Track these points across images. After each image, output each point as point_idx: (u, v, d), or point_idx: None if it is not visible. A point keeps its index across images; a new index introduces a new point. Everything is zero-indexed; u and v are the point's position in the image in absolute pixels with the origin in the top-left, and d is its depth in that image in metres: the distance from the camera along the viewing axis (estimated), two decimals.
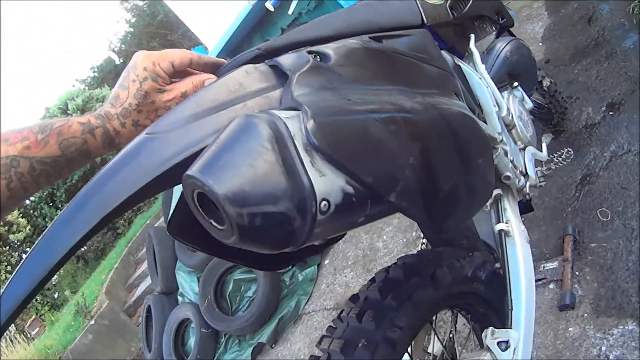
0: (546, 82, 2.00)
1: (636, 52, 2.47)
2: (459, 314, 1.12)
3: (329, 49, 0.70)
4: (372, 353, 0.72)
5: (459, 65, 1.15)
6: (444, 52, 1.12)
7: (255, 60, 0.71)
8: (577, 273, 1.70)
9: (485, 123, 1.11)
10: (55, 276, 9.05)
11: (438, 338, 1.07)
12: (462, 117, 0.80)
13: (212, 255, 0.78)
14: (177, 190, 0.73)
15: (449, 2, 1.25)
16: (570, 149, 1.49)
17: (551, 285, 1.74)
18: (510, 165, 1.11)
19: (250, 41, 6.22)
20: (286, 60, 0.67)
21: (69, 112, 9.83)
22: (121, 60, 18.57)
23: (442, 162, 0.70)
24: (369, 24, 0.85)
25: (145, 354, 4.14)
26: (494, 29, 1.53)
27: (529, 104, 1.48)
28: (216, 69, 0.76)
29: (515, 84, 1.47)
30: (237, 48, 6.33)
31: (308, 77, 0.63)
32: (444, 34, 1.18)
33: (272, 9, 1.70)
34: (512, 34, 1.72)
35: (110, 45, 19.61)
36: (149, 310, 4.14)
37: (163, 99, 0.73)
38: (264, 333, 3.12)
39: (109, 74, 18.12)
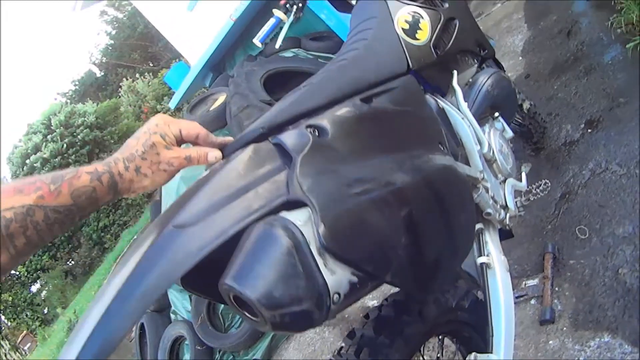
0: (526, 105, 2.12)
1: (615, 67, 2.60)
2: (445, 337, 1.23)
3: (325, 121, 0.82)
4: None
5: (442, 108, 1.26)
6: (428, 96, 1.24)
7: (259, 138, 0.81)
8: (556, 289, 1.83)
9: (468, 162, 1.22)
10: (44, 291, 9.07)
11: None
12: (446, 174, 0.92)
13: (223, 304, 0.87)
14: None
15: (432, 41, 1.36)
16: (547, 181, 1.61)
17: (532, 301, 1.86)
18: (491, 201, 1.23)
19: (232, 56, 6.31)
20: (288, 138, 0.78)
21: (52, 127, 9.88)
22: (102, 73, 18.73)
23: (428, 232, 0.83)
24: (359, 84, 0.96)
25: None
26: (475, 61, 1.64)
27: (509, 134, 1.59)
28: (222, 147, 0.85)
29: (496, 114, 1.59)
30: (220, 63, 6.43)
31: (310, 159, 0.74)
32: (428, 75, 1.30)
33: (260, 46, 1.79)
34: (496, 61, 1.83)
35: (91, 58, 19.75)
36: (142, 327, 4.20)
37: (167, 156, 0.79)
38: (258, 349, 3.21)
39: (90, 87, 18.24)
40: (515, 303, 1.63)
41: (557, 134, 2.52)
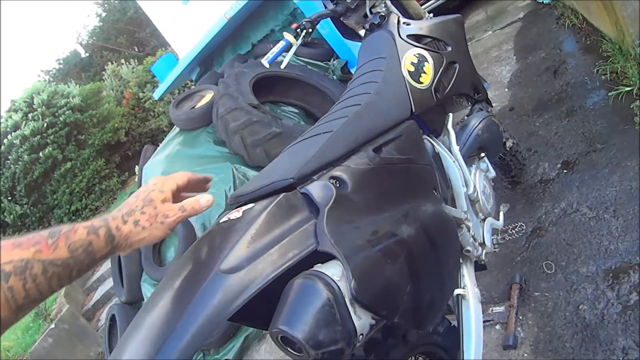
0: (509, 143, 2.30)
1: (595, 113, 2.76)
2: (420, 357, 1.39)
3: (344, 173, 0.96)
4: None
5: (437, 152, 1.42)
6: (425, 140, 1.39)
7: (288, 188, 0.95)
8: (520, 317, 2.00)
9: (454, 202, 1.38)
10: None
11: None
12: (439, 221, 1.08)
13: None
14: None
15: (434, 84, 1.52)
16: (523, 224, 1.77)
17: (497, 327, 2.04)
18: (471, 239, 1.39)
19: (221, 54, 6.43)
20: (315, 190, 0.93)
21: (34, 106, 9.82)
22: (87, 54, 18.62)
23: (425, 276, 0.99)
24: (372, 132, 1.12)
25: None
26: (469, 103, 1.81)
27: (492, 174, 1.77)
28: (207, 182, 0.97)
29: (482, 155, 1.76)
30: (208, 59, 6.53)
31: (334, 212, 0.89)
32: (426, 118, 1.46)
33: (268, 67, 1.92)
34: (487, 100, 2.00)
35: (79, 38, 19.75)
36: (112, 319, 4.26)
37: (164, 209, 0.85)
38: (229, 349, 3.32)
39: (73, 68, 18.13)
40: (482, 326, 1.81)
41: (534, 170, 2.71)
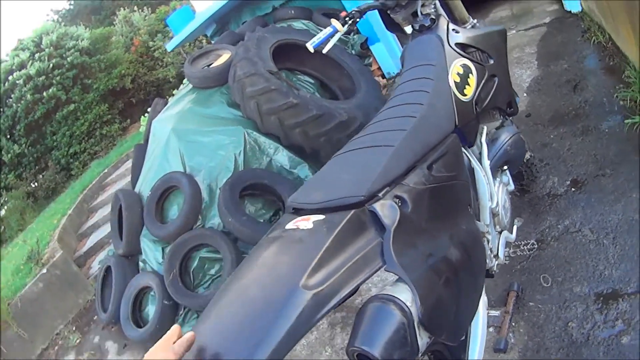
0: (527, 156, 2.39)
1: (610, 137, 2.82)
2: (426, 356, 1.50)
3: (406, 194, 1.05)
4: None
5: (472, 167, 1.50)
6: (464, 152, 1.47)
7: (358, 205, 1.02)
8: (513, 324, 2.13)
9: (478, 216, 1.47)
10: (3, 210, 9.03)
11: None
12: (474, 239, 1.17)
13: None
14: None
15: (475, 97, 1.58)
16: (535, 242, 1.86)
17: (491, 329, 2.15)
18: (489, 251, 1.49)
19: (239, 13, 6.39)
20: (382, 210, 1.01)
21: (42, 46, 9.75)
22: None
23: (465, 296, 1.07)
24: (426, 147, 1.20)
25: (99, 313, 4.38)
26: (500, 116, 1.88)
27: (511, 187, 1.86)
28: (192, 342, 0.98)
29: (505, 168, 1.84)
30: (225, 17, 6.50)
31: (399, 232, 0.98)
32: (466, 131, 1.53)
33: (312, 50, 1.96)
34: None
35: None
36: (107, 270, 4.36)
37: None
38: None
39: (84, 9, 17.77)
40: None
41: (543, 182, 2.80)
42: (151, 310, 3.81)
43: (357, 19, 1.87)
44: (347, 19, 1.85)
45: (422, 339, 0.97)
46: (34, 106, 9.68)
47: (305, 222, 1.00)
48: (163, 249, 3.92)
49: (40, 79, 9.51)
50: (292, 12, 5.55)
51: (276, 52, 4.50)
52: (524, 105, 3.68)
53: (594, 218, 2.41)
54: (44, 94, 9.55)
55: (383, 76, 5.67)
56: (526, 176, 2.58)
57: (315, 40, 1.88)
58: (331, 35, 1.87)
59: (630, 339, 1.84)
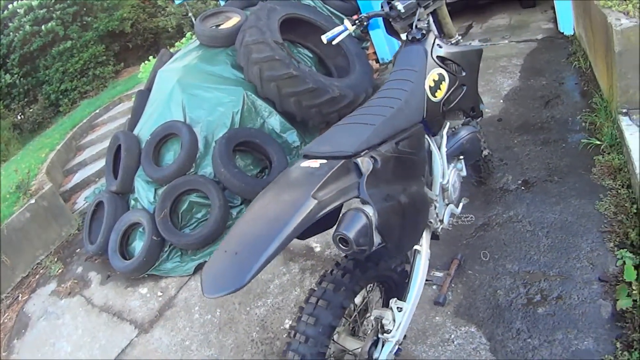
0: (485, 152, 2.93)
1: (565, 151, 3.34)
2: (379, 286, 2.05)
3: (378, 156, 1.59)
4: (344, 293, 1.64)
5: (431, 150, 2.04)
6: (427, 139, 2.00)
7: (348, 156, 1.58)
8: (453, 285, 2.68)
9: (430, 187, 2.02)
10: None
11: (365, 294, 1.99)
12: (420, 196, 1.72)
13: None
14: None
15: (443, 99, 2.11)
16: (473, 216, 2.40)
17: (434, 287, 2.70)
18: (435, 215, 2.04)
19: None
20: (362, 162, 1.55)
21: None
22: None
23: (410, 221, 1.63)
24: (397, 128, 1.76)
25: (86, 245, 4.77)
26: (464, 117, 2.41)
27: (464, 173, 2.40)
28: None
29: (461, 157, 2.38)
30: None
31: (370, 178, 1.52)
32: (430, 122, 2.06)
33: (325, 42, 2.44)
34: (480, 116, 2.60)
35: None
36: (98, 205, 4.79)
37: None
38: (206, 254, 3.95)
39: None
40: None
41: (499, 178, 3.36)
42: (138, 245, 4.27)
43: (365, 22, 2.34)
44: (357, 21, 2.33)
45: (376, 238, 1.55)
46: (32, 38, 9.83)
47: (314, 163, 1.56)
48: (155, 190, 4.40)
49: (41, 11, 9.70)
50: None
51: (283, 23, 4.97)
52: (498, 110, 4.21)
53: (535, 214, 2.95)
54: (43, 27, 9.72)
55: (377, 61, 6.14)
56: (483, 170, 3.12)
57: (329, 34, 2.35)
58: (342, 33, 2.33)
59: (544, 311, 2.37)
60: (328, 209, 1.41)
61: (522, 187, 3.21)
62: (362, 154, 1.60)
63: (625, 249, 2.41)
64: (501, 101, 4.37)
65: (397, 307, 1.91)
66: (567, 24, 5.09)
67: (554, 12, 5.42)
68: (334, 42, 2.40)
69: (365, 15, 2.33)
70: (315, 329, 1.57)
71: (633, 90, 2.96)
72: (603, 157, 3.10)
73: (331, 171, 1.47)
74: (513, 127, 3.91)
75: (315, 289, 1.67)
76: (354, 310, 1.92)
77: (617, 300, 2.21)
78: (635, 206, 2.61)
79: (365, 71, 5.10)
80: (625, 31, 2.77)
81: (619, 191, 2.80)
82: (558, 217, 2.87)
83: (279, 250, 1.27)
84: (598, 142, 3.19)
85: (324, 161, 1.55)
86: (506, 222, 2.98)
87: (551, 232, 2.79)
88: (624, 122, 2.97)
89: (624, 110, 3.04)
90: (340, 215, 1.55)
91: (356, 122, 1.78)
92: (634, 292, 2.17)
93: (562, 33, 5.19)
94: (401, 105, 1.85)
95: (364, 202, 1.54)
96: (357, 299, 1.92)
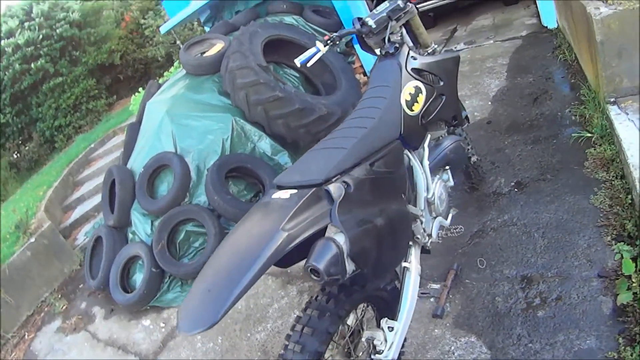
0: (474, 159, 2.92)
1: (556, 148, 3.32)
2: (370, 306, 2.03)
3: (351, 180, 1.57)
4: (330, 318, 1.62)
5: (412, 166, 2.03)
6: (405, 153, 1.99)
7: (318, 184, 1.57)
8: (450, 296, 2.66)
9: (415, 203, 2.00)
10: None
11: (356, 315, 1.97)
12: (400, 215, 1.70)
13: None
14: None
15: (422, 112, 2.10)
16: (462, 227, 2.38)
17: (432, 299, 2.68)
18: (422, 230, 2.02)
19: (234, 3, 6.79)
20: (332, 189, 1.54)
21: (32, 15, 9.99)
22: None
23: (386, 246, 1.62)
24: (371, 149, 1.73)
25: (88, 281, 4.81)
26: (446, 127, 2.40)
27: (451, 183, 2.38)
28: None
29: (447, 167, 2.37)
30: (220, 5, 6.90)
31: (342, 204, 1.50)
32: (410, 137, 2.05)
33: (298, 66, 2.43)
34: (466, 120, 2.59)
35: None
36: (97, 240, 4.82)
37: None
38: None
39: None
40: (420, 297, 2.48)
41: (491, 182, 3.34)
42: (138, 277, 4.28)
43: (337, 42, 2.35)
44: (328, 41, 2.33)
45: (349, 266, 1.53)
46: (22, 76, 9.92)
47: (285, 194, 1.55)
48: (152, 222, 4.41)
49: (29, 49, 9.79)
50: (285, 6, 6.01)
51: (267, 45, 5.00)
52: (487, 113, 4.21)
53: (529, 215, 2.92)
54: (32, 65, 9.80)
55: (364, 74, 6.16)
56: (474, 176, 3.11)
57: (302, 57, 2.35)
58: (315, 54, 2.34)
59: (544, 313, 2.34)
60: (298, 240, 1.40)
61: (515, 189, 3.20)
62: (333, 180, 1.59)
63: (623, 242, 2.38)
64: (489, 103, 4.37)
65: (389, 327, 1.89)
66: (550, 17, 5.12)
67: (537, 7, 5.44)
68: (308, 65, 2.40)
69: (337, 34, 2.33)
70: (302, 356, 1.57)
71: (619, 79, 2.95)
72: (595, 149, 3.07)
73: (301, 201, 1.46)
74: (503, 128, 3.90)
75: (301, 315, 1.66)
76: (347, 330, 1.90)
77: (617, 295, 2.18)
78: (629, 196, 2.58)
79: (352, 86, 5.12)
80: (606, 19, 2.77)
81: (613, 183, 2.78)
82: (553, 216, 2.84)
83: (249, 285, 1.29)
84: (589, 135, 3.17)
85: (294, 191, 1.55)
86: (501, 227, 2.96)
87: (547, 232, 2.76)
88: (613, 111, 2.96)
89: (612, 100, 3.03)
90: (312, 246, 1.55)
91: (328, 146, 1.77)
92: (633, 284, 2.14)
93: (546, 27, 5.21)
94: (375, 124, 1.84)
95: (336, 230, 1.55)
96: (350, 320, 1.90)
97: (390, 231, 1.68)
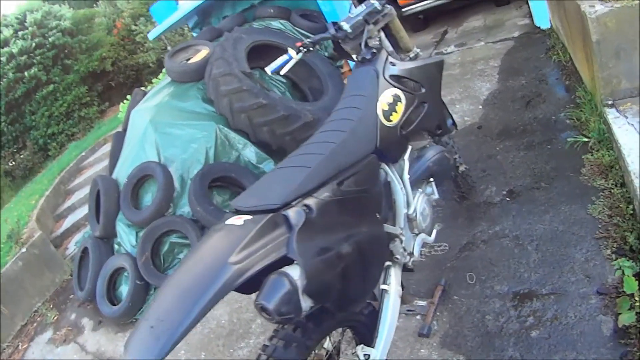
0: (462, 168, 2.77)
1: (550, 153, 3.17)
2: (347, 329, 1.88)
3: (313, 203, 1.42)
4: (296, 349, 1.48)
5: (389, 181, 1.87)
6: (382, 167, 1.84)
7: (275, 209, 1.42)
8: (437, 314, 2.50)
9: (393, 221, 1.85)
10: None
11: (330, 342, 1.83)
12: (372, 239, 1.55)
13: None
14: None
15: (401, 122, 1.95)
16: (446, 244, 2.22)
17: (418, 317, 2.52)
18: (402, 250, 1.87)
19: (221, 7, 6.68)
20: (291, 214, 1.39)
21: (25, 24, 9.92)
22: None
23: (353, 278, 1.47)
24: (340, 167, 1.57)
25: (76, 292, 4.72)
26: (429, 136, 2.25)
27: (435, 196, 2.23)
28: None
29: (431, 180, 2.22)
30: (207, 10, 6.77)
31: (302, 232, 1.35)
32: (387, 150, 1.89)
33: (270, 74, 2.30)
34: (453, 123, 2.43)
35: None
36: (84, 251, 4.70)
37: None
38: None
39: None
40: (405, 314, 2.34)
41: (482, 191, 3.18)
42: (124, 289, 4.17)
43: (311, 49, 2.21)
44: (301, 47, 2.19)
45: (306, 302, 1.38)
46: (15, 85, 9.81)
47: (239, 220, 1.39)
48: (137, 233, 4.29)
49: (23, 58, 9.70)
50: (272, 11, 5.88)
51: (252, 50, 4.87)
52: (478, 117, 4.06)
53: (522, 226, 2.77)
54: (25, 73, 9.70)
55: None
56: (463, 186, 2.95)
57: (273, 65, 2.22)
58: (287, 62, 2.20)
59: (539, 334, 2.19)
60: (248, 274, 1.25)
61: (507, 198, 3.05)
62: (293, 204, 1.44)
63: (624, 257, 2.22)
64: (480, 107, 4.23)
65: (364, 355, 1.75)
66: (543, 17, 4.98)
67: (529, 7, 5.30)
68: (281, 72, 2.27)
69: (310, 41, 2.19)
70: None
71: (617, 80, 2.80)
72: (592, 154, 2.92)
73: (255, 229, 1.32)
74: (494, 133, 3.76)
75: (267, 344, 1.52)
76: (326, 355, 1.77)
77: (619, 314, 2.02)
78: (631, 206, 2.42)
79: (339, 91, 4.95)
80: (601, 17, 2.63)
81: (612, 191, 2.62)
82: (548, 228, 2.69)
83: (193, 323, 1.17)
84: (585, 139, 3.01)
85: (249, 217, 1.40)
86: (492, 239, 2.81)
87: (541, 244, 2.61)
88: (611, 114, 2.80)
89: (610, 102, 2.88)
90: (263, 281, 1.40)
91: (291, 165, 1.62)
92: (636, 304, 1.98)
93: (539, 27, 5.07)
94: (345, 137, 1.68)
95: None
96: (327, 344, 1.77)
97: (359, 258, 1.53)
